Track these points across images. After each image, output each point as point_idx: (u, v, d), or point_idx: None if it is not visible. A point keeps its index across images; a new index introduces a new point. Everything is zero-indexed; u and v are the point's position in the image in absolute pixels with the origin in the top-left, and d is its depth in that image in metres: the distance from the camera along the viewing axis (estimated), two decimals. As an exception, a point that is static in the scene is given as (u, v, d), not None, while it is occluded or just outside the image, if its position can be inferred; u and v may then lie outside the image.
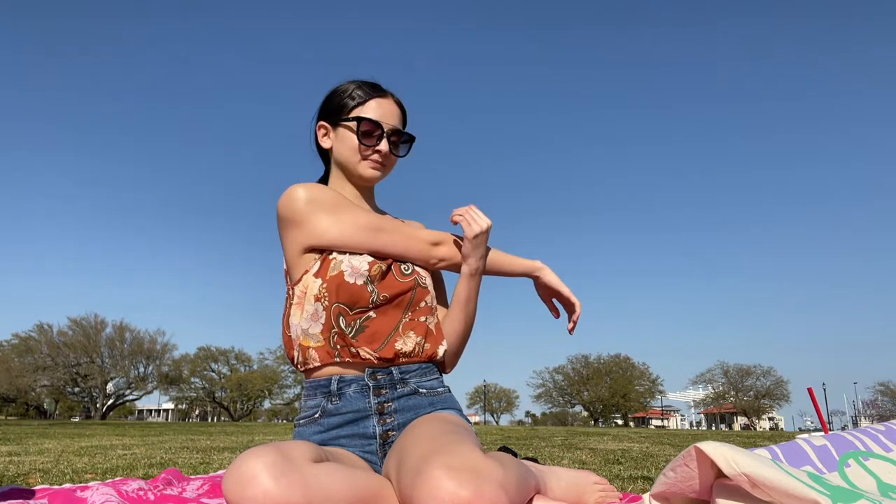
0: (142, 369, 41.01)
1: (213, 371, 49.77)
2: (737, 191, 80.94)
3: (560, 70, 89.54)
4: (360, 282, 1.22)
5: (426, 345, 1.27)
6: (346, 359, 1.21)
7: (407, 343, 1.24)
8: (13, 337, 37.22)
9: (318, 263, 1.25)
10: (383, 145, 1.33)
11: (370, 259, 1.26)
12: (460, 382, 71.37)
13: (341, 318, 1.21)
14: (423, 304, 1.28)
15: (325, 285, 1.22)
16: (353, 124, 1.33)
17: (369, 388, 1.20)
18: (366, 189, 1.41)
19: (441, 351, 1.30)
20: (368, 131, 1.32)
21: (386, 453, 1.18)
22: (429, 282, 1.32)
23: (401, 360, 1.23)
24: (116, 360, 39.33)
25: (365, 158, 1.34)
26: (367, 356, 1.20)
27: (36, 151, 67.48)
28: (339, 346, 1.21)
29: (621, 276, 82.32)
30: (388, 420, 1.19)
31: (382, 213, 1.45)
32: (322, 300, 1.22)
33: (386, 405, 1.20)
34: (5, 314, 68.22)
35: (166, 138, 77.77)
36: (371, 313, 1.22)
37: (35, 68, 68.22)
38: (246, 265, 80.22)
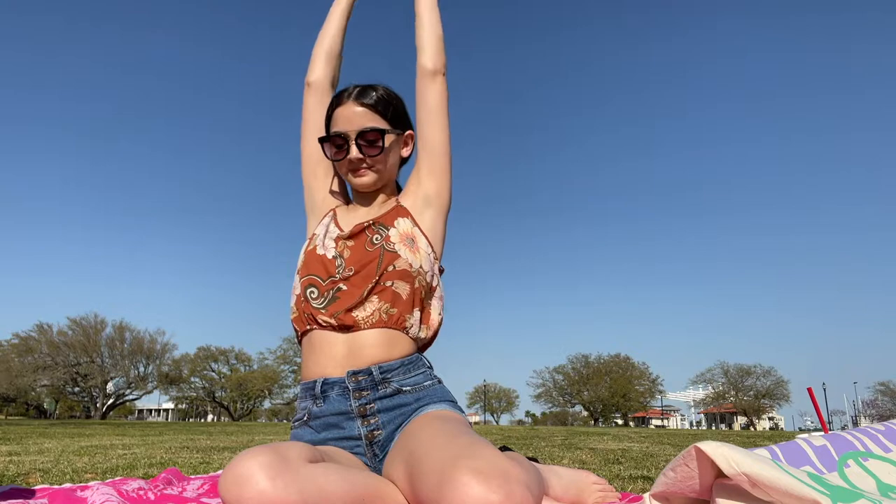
0: (142, 369, 40.92)
1: (213, 371, 49.73)
2: (737, 190, 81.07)
3: (558, 70, 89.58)
4: (329, 254, 1.28)
5: (392, 310, 1.23)
6: (313, 326, 1.24)
7: (367, 308, 1.22)
8: (13, 337, 37.12)
9: (308, 242, 1.35)
10: (352, 153, 1.31)
11: (338, 233, 1.31)
12: (460, 382, 71.43)
13: (311, 288, 1.26)
14: (391, 269, 1.23)
15: (303, 258, 1.31)
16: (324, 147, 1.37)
17: (349, 391, 1.19)
18: (372, 191, 1.39)
19: (413, 324, 1.25)
20: (334, 146, 1.34)
21: (374, 454, 1.18)
22: (401, 248, 1.26)
23: (362, 326, 1.21)
24: (116, 359, 39.26)
25: (348, 170, 1.35)
26: (327, 322, 1.22)
27: (36, 152, 67.57)
28: (305, 314, 1.26)
29: (622, 275, 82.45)
30: (371, 421, 1.18)
31: (395, 196, 1.42)
32: (300, 272, 1.30)
33: (368, 407, 1.18)
34: (5, 314, 68.27)
35: (166, 138, 77.87)
36: (341, 285, 1.24)
37: (34, 69, 68.28)
38: (246, 265, 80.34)
